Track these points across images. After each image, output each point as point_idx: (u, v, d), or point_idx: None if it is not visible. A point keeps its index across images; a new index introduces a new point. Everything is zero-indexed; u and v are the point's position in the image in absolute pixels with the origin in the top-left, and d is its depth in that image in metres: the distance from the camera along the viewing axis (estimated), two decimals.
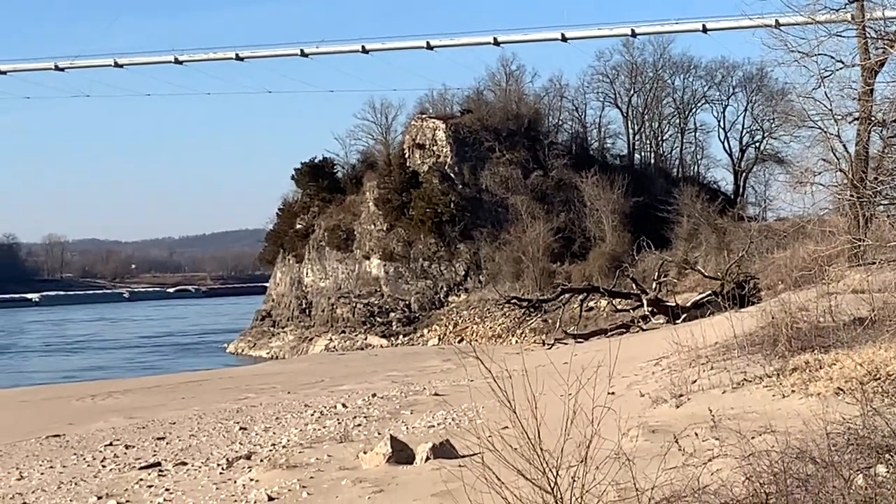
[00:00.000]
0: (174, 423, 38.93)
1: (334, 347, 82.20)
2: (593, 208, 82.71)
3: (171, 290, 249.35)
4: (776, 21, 39.33)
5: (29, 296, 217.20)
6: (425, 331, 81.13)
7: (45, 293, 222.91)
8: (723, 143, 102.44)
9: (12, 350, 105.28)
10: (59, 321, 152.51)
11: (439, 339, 77.51)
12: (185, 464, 27.22)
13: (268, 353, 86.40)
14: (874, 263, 27.17)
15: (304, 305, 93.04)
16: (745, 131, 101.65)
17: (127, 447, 32.61)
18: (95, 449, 32.98)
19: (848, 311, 26.03)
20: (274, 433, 32.25)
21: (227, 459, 26.57)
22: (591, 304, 69.05)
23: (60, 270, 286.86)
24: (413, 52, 75.01)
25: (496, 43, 70.39)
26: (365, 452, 21.99)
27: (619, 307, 65.96)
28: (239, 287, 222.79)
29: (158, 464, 27.82)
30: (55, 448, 34.71)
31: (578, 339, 58.70)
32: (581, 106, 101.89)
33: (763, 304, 33.91)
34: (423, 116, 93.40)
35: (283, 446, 28.11)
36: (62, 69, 73.66)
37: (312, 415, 36.42)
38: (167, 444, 32.67)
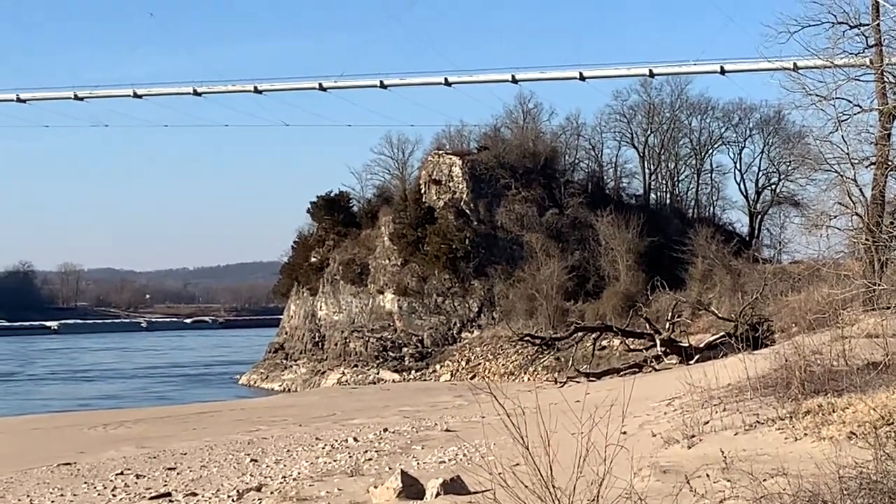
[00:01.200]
0: (185, 454, 38.97)
1: (346, 381, 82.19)
2: (608, 247, 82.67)
3: (187, 320, 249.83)
4: (794, 64, 39.40)
5: (48, 323, 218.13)
6: (438, 366, 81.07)
7: (63, 321, 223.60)
8: (739, 184, 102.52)
9: (28, 377, 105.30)
10: (77, 349, 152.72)
11: (452, 375, 77.46)
12: (195, 494, 27.23)
13: (280, 386, 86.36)
14: (889, 308, 27.12)
15: (317, 339, 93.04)
16: (761, 173, 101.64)
17: (137, 477, 32.64)
18: (106, 478, 33.02)
19: (862, 355, 25.97)
20: (285, 466, 32.25)
21: (238, 491, 26.57)
22: (605, 343, 68.83)
23: (75, 299, 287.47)
24: (431, 88, 75.09)
25: (514, 80, 70.46)
26: (375, 487, 21.96)
27: (632, 347, 65.78)
28: (255, 319, 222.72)
29: (169, 494, 27.84)
30: (66, 476, 34.76)
31: (591, 378, 58.59)
32: (598, 145, 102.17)
33: (776, 347, 33.83)
34: (440, 152, 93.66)
35: (294, 479, 28.09)
36: (81, 99, 73.88)
37: (323, 448, 36.41)
38: (178, 474, 32.70)
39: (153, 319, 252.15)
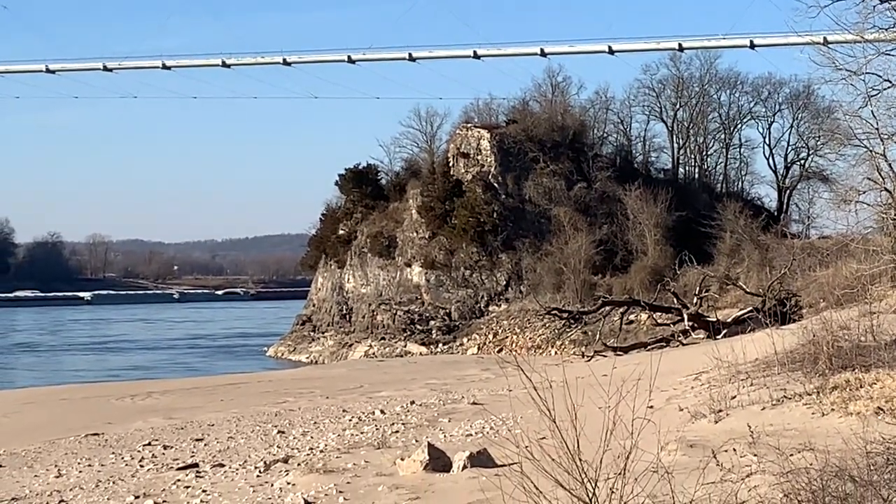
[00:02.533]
0: (212, 425, 39.09)
1: (374, 354, 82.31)
2: (636, 221, 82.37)
3: (219, 292, 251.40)
4: (824, 38, 39.07)
5: (81, 294, 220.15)
6: (465, 340, 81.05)
7: (96, 292, 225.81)
8: (767, 159, 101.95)
9: (60, 347, 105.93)
10: (109, 320, 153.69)
11: (479, 349, 77.52)
12: (222, 465, 27.32)
13: (307, 358, 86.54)
14: None
15: (344, 311, 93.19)
16: (790, 148, 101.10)
17: (165, 447, 32.77)
18: (134, 448, 33.15)
19: (890, 330, 25.89)
20: (312, 437, 32.31)
21: (265, 462, 26.64)
22: (632, 317, 68.67)
23: (103, 270, 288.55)
24: (460, 61, 75.40)
25: (543, 54, 70.59)
26: (402, 459, 22.02)
27: (659, 321, 65.60)
28: (285, 291, 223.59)
29: (196, 465, 27.93)
30: (94, 447, 34.93)
31: (618, 352, 58.45)
32: (626, 119, 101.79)
33: (804, 322, 33.73)
34: (468, 125, 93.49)
35: (321, 451, 28.15)
36: (110, 70, 74.26)
37: (350, 420, 36.49)
38: (205, 445, 32.81)
39: (185, 291, 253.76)
